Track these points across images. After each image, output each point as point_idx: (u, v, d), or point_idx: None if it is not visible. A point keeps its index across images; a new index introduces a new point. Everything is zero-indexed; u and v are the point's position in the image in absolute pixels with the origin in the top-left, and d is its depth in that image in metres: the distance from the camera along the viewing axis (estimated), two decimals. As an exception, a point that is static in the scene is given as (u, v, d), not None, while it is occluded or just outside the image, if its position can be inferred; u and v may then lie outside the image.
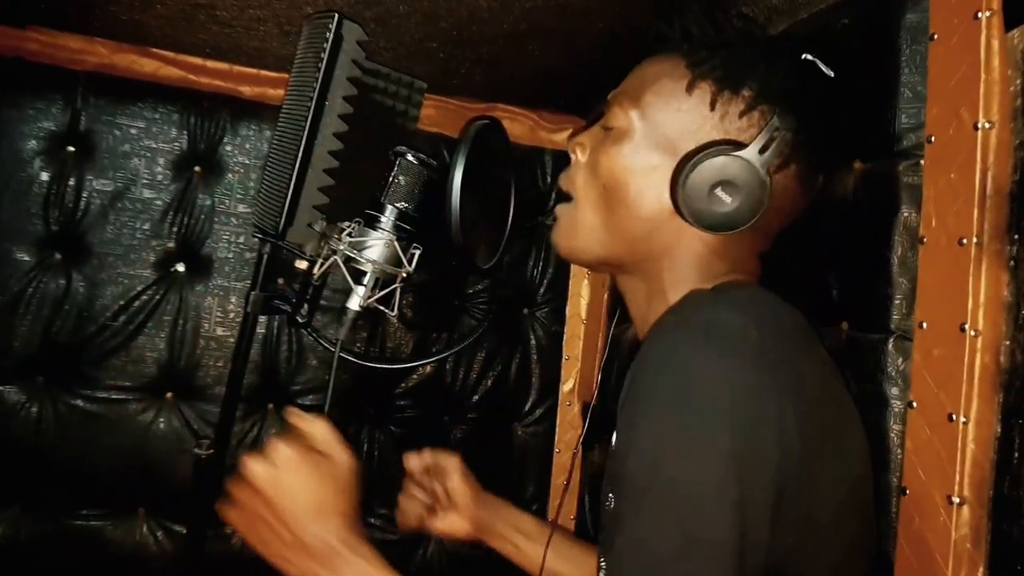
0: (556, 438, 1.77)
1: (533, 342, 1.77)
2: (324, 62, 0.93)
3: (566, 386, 1.76)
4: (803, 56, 0.83)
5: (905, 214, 0.93)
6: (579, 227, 0.88)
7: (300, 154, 0.94)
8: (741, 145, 0.78)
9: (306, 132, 0.94)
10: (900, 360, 0.93)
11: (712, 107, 0.81)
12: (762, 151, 0.77)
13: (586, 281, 1.76)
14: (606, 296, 1.70)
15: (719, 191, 0.77)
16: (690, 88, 0.82)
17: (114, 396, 1.55)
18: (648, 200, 0.83)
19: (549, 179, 1.74)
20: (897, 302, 0.93)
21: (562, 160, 1.74)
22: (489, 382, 1.74)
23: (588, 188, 0.87)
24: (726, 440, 0.64)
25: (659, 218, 0.83)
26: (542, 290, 1.77)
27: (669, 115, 0.83)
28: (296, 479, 0.82)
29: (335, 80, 0.95)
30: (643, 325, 0.89)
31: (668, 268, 0.85)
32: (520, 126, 1.68)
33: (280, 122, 1.04)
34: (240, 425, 1.59)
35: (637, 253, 0.86)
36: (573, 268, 1.77)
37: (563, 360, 1.77)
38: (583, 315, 1.76)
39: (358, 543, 0.82)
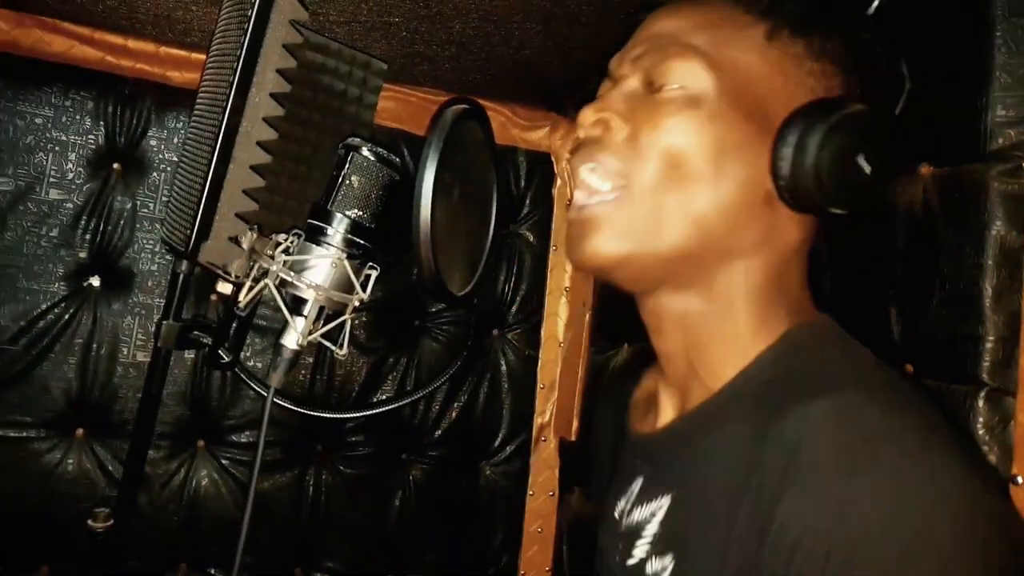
0: (530, 479, 1.51)
1: (504, 368, 1.51)
2: (251, 22, 0.65)
3: (541, 419, 1.50)
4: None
5: (1001, 232, 0.70)
6: (637, 223, 0.60)
7: (218, 145, 0.66)
8: (862, 96, 0.61)
9: (227, 114, 0.66)
10: (996, 420, 0.69)
11: (811, 66, 0.61)
12: (895, 99, 0.62)
13: (564, 299, 1.50)
14: (588, 316, 1.45)
15: (861, 160, 0.56)
16: (770, 36, 0.61)
17: (11, 434, 1.24)
18: (734, 184, 0.60)
19: (523, 182, 1.48)
20: (990, 346, 0.70)
21: (538, 161, 1.49)
22: (454, 415, 1.47)
23: (645, 170, 0.59)
24: None
25: (745, 209, 0.60)
26: (514, 309, 1.51)
27: (754, 76, 0.60)
28: None
29: (265, 47, 0.67)
30: (693, 353, 0.65)
31: (744, 272, 0.63)
32: (491, 122, 1.41)
33: (197, 105, 0.76)
34: (164, 466, 1.30)
35: (710, 254, 0.62)
36: (550, 283, 1.51)
37: (538, 389, 1.51)
38: (560, 337, 1.50)
39: None
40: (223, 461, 1.33)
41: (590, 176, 0.61)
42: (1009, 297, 0.69)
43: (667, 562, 0.60)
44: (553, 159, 1.48)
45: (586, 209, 0.61)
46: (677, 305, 0.64)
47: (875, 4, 0.63)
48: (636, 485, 0.69)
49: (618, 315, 1.32)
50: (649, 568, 0.62)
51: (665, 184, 0.59)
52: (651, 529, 0.64)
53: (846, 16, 0.64)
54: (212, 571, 1.33)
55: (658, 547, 0.62)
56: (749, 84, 0.60)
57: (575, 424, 1.43)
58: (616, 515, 0.70)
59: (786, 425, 0.52)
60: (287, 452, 1.36)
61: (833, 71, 0.62)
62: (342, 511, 1.40)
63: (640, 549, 0.64)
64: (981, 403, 0.70)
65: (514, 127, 1.45)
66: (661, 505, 0.64)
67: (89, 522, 0.84)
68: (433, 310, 1.45)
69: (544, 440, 1.49)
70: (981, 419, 0.70)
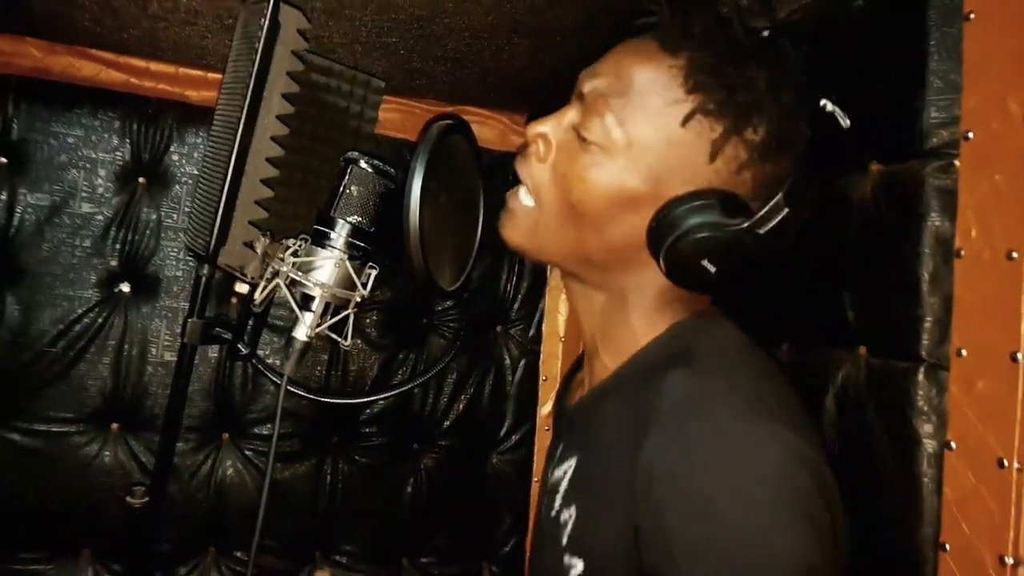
0: (534, 467, 1.58)
1: (508, 362, 1.59)
2: (259, 53, 0.74)
3: (544, 409, 1.58)
4: (823, 103, 0.67)
5: (936, 223, 0.77)
6: (539, 232, 0.74)
7: (232, 161, 0.76)
8: (734, 203, 0.65)
9: (239, 136, 0.75)
10: (933, 393, 0.76)
11: (712, 159, 0.66)
12: (760, 223, 0.64)
13: (564, 296, 1.58)
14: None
15: (706, 263, 0.64)
16: (686, 121, 0.66)
17: (54, 429, 1.34)
18: (620, 230, 0.70)
19: (523, 188, 1.56)
20: (928, 325, 0.77)
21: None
22: (461, 407, 1.55)
23: (552, 196, 0.71)
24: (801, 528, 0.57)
25: (630, 247, 0.70)
26: (516, 306, 1.59)
27: (659, 146, 0.67)
28: None
29: (272, 74, 0.76)
30: (597, 334, 0.79)
31: (636, 286, 0.74)
32: (490, 130, 1.49)
33: (214, 126, 0.86)
34: (192, 458, 1.40)
35: (595, 269, 0.75)
36: (551, 281, 1.59)
37: (540, 381, 1.58)
38: (561, 333, 1.57)
39: None
40: (246, 452, 1.43)
41: (522, 173, 0.74)
42: (943, 281, 0.76)
43: (572, 511, 0.72)
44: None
45: (510, 202, 0.75)
46: (586, 295, 0.77)
47: (826, 104, 0.66)
48: (559, 450, 0.82)
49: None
50: (561, 518, 0.73)
51: (564, 214, 0.70)
52: (563, 486, 0.76)
53: (778, 110, 0.65)
54: (238, 554, 1.42)
55: (567, 500, 0.74)
56: (652, 155, 0.67)
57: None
58: (547, 476, 0.83)
59: (652, 389, 0.65)
60: (305, 443, 1.45)
61: (737, 163, 0.66)
62: (358, 498, 1.48)
63: (557, 502, 0.76)
64: (921, 377, 0.77)
65: (512, 133, 1.53)
66: (571, 465, 0.76)
67: (127, 499, 0.93)
68: (440, 309, 1.54)
69: (547, 429, 1.57)
70: (921, 392, 0.77)
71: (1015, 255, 0.68)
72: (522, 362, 1.59)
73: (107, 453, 1.37)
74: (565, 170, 0.70)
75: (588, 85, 0.70)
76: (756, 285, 0.75)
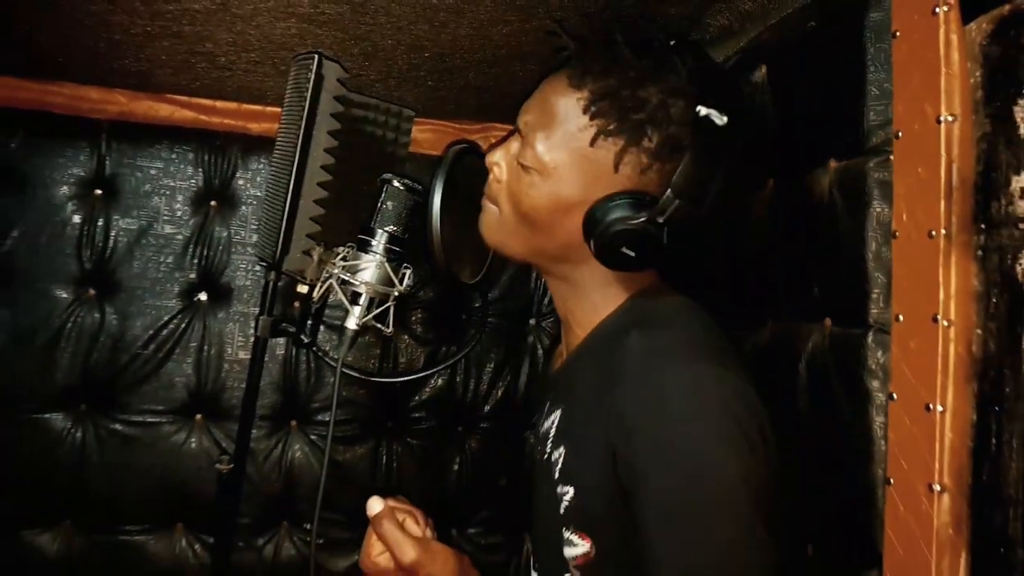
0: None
1: (540, 352, 1.75)
2: (307, 101, 0.93)
3: (574, 392, 1.74)
4: (697, 109, 0.79)
5: (877, 210, 0.91)
6: (502, 233, 0.92)
7: (291, 188, 0.95)
8: (643, 200, 0.81)
9: (295, 167, 0.94)
10: (880, 353, 0.90)
11: (615, 167, 0.82)
12: (661, 213, 0.79)
13: (589, 289, 1.73)
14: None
15: (625, 249, 0.81)
16: (594, 142, 0.82)
17: (148, 419, 1.57)
18: (563, 231, 0.86)
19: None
20: (875, 296, 0.91)
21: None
22: (499, 392, 1.73)
23: (508, 208, 0.89)
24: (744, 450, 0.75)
25: (573, 243, 0.86)
26: (546, 301, 1.75)
27: (576, 161, 0.83)
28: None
29: (319, 117, 0.95)
30: (567, 312, 0.96)
31: (586, 273, 0.91)
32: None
33: (273, 158, 1.05)
34: (265, 443, 1.60)
35: (554, 261, 0.92)
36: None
37: (570, 367, 1.74)
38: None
39: None
40: (311, 437, 1.63)
41: (486, 189, 0.92)
42: (884, 258, 0.90)
43: (561, 450, 0.89)
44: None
45: (484, 208, 0.93)
46: (550, 280, 0.96)
47: (700, 110, 0.79)
48: (547, 406, 0.99)
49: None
50: (552, 458, 0.90)
51: (518, 221, 0.88)
52: (552, 432, 0.93)
53: (664, 119, 0.80)
54: (307, 526, 1.62)
55: (556, 442, 0.91)
56: (574, 168, 0.83)
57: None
58: (538, 428, 1.01)
59: (618, 348, 0.82)
60: (363, 428, 1.64)
61: (640, 167, 0.81)
62: (410, 476, 1.67)
63: (548, 447, 0.93)
64: (870, 340, 0.90)
65: (536, 144, 1.69)
66: (557, 415, 0.94)
67: (216, 465, 1.12)
68: (477, 305, 1.71)
69: (577, 410, 1.73)
70: (870, 353, 0.90)
71: (934, 234, 0.82)
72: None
73: (193, 440, 1.59)
74: (514, 188, 0.87)
75: (522, 120, 0.87)
76: (698, 262, 0.91)
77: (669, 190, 0.79)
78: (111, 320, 1.55)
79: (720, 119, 0.78)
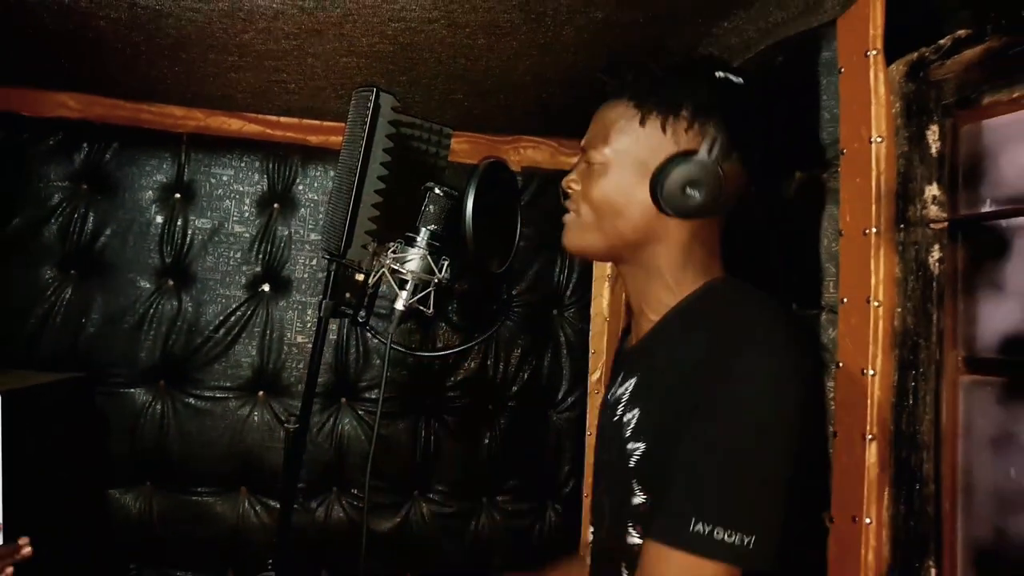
0: (587, 422, 1.98)
1: (563, 339, 1.99)
2: (367, 126, 1.19)
3: (594, 376, 1.97)
4: (716, 73, 1.01)
5: (830, 212, 1.13)
6: (583, 232, 1.08)
7: (354, 194, 1.21)
8: (693, 152, 0.97)
9: (357, 178, 1.20)
10: (831, 330, 1.12)
11: (664, 131, 1.01)
12: (709, 153, 0.97)
13: (607, 284, 1.97)
14: (624, 295, 1.92)
15: (689, 189, 0.96)
16: (642, 122, 1.02)
17: (218, 395, 1.85)
18: (635, 209, 1.02)
19: (570, 198, 1.98)
20: (827, 283, 1.13)
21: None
22: (526, 375, 1.97)
23: (585, 206, 1.07)
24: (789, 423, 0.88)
25: (647, 220, 1.02)
26: (568, 293, 1.99)
27: (633, 145, 1.02)
28: None
29: (376, 139, 1.21)
30: (641, 300, 1.09)
31: (662, 255, 1.04)
32: (542, 152, 1.91)
33: (338, 169, 1.31)
34: (318, 417, 1.87)
35: (633, 247, 1.05)
36: (595, 272, 1.99)
37: (590, 354, 1.98)
38: (606, 313, 1.97)
39: None
40: (359, 412, 1.89)
41: (567, 207, 1.11)
42: (834, 252, 1.12)
43: (636, 411, 1.00)
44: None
45: (565, 221, 1.11)
46: (628, 270, 1.11)
47: (720, 75, 1.00)
48: (620, 376, 1.14)
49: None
50: (624, 419, 1.02)
51: (596, 215, 1.05)
52: (625, 397, 1.05)
53: (694, 89, 1.00)
54: (354, 491, 1.88)
55: (630, 405, 1.03)
56: (633, 151, 1.01)
57: (618, 378, 1.89)
58: (609, 396, 1.16)
59: (695, 327, 0.97)
60: (405, 406, 1.90)
61: (685, 129, 0.99)
62: (446, 449, 1.92)
63: (620, 409, 1.05)
64: (824, 319, 1.13)
65: (560, 154, 1.94)
66: (632, 382, 1.05)
67: (285, 425, 1.38)
68: (505, 297, 1.96)
69: (597, 393, 1.97)
70: (823, 330, 1.13)
71: (867, 232, 1.04)
72: (574, 339, 1.99)
73: (256, 413, 1.86)
74: (587, 189, 1.06)
75: (585, 141, 1.09)
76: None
77: (712, 130, 0.97)
78: (187, 307, 1.84)
79: (737, 78, 0.99)
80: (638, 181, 1.01)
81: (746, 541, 0.81)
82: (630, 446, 0.99)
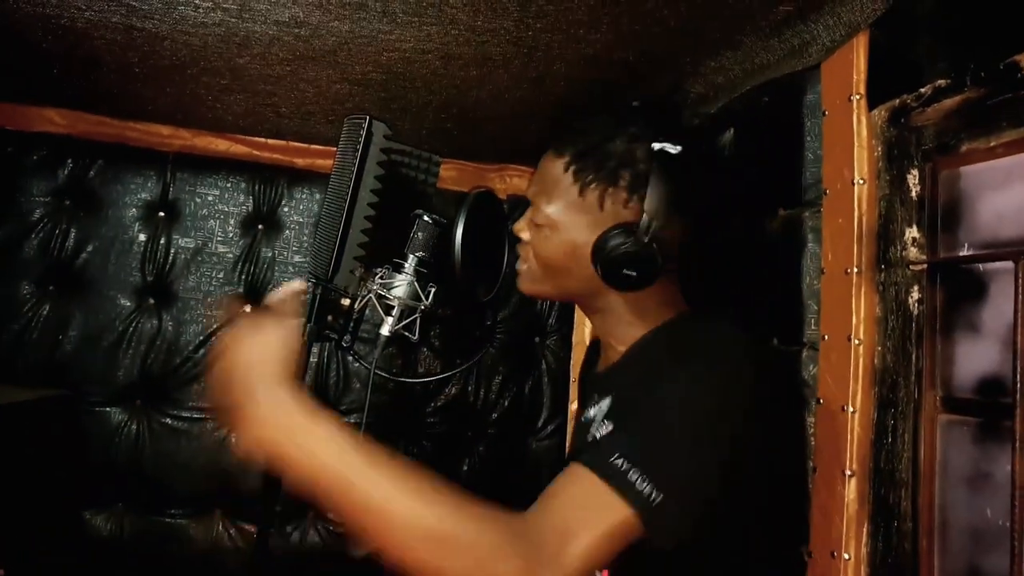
0: (567, 451, 1.96)
1: (544, 366, 2.00)
2: (359, 153, 1.20)
3: (574, 405, 1.98)
4: (653, 146, 1.01)
5: (812, 250, 1.15)
6: (535, 283, 1.11)
7: (344, 218, 1.21)
8: (631, 227, 0.99)
9: (347, 203, 1.20)
10: (812, 367, 1.14)
11: (601, 203, 1.02)
12: (647, 229, 0.98)
13: (589, 313, 1.99)
14: (605, 325, 1.93)
15: (626, 270, 0.99)
16: (582, 193, 1.03)
17: (195, 416, 1.83)
18: (580, 269, 1.04)
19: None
20: (809, 320, 1.15)
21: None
22: (506, 402, 1.97)
23: (533, 261, 1.10)
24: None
25: (592, 277, 1.03)
26: (551, 321, 2.00)
27: (574, 213, 1.04)
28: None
29: (368, 165, 1.21)
30: (607, 335, 1.12)
31: (614, 301, 1.07)
32: (526, 182, 1.93)
33: (328, 193, 1.31)
34: (298, 439, 1.84)
35: (585, 297, 1.09)
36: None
37: (571, 382, 1.98)
38: (587, 342, 1.97)
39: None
40: (338, 436, 1.87)
41: (520, 251, 1.12)
42: (815, 289, 1.14)
43: (608, 426, 1.00)
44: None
45: (518, 269, 1.13)
46: (590, 313, 1.15)
47: (657, 147, 0.99)
48: (593, 399, 1.15)
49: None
50: (599, 435, 1.01)
51: (545, 268, 1.08)
52: (599, 415, 1.06)
53: (631, 160, 1.01)
54: (331, 515, 1.85)
55: (605, 422, 1.02)
56: (574, 219, 1.03)
57: (598, 407, 1.90)
58: (583, 417, 1.18)
59: (654, 355, 1.01)
60: (384, 430, 1.88)
61: (625, 202, 1.01)
62: (424, 474, 1.90)
63: (593, 427, 1.06)
64: (804, 355, 1.15)
65: (545, 183, 1.96)
66: (605, 402, 1.09)
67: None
68: (489, 323, 1.97)
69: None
70: (803, 366, 1.15)
71: (849, 271, 1.06)
72: (555, 366, 2.00)
73: (233, 436, 1.82)
74: (535, 245, 1.09)
75: (530, 192, 1.11)
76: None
77: (644, 214, 0.99)
78: (167, 326, 1.82)
79: (674, 149, 1.00)
80: (579, 246, 1.03)
81: (653, 496, 0.79)
82: (598, 431, 1.00)
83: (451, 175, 1.85)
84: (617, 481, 0.80)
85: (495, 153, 1.76)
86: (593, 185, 1.02)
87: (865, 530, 1.02)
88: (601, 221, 1.01)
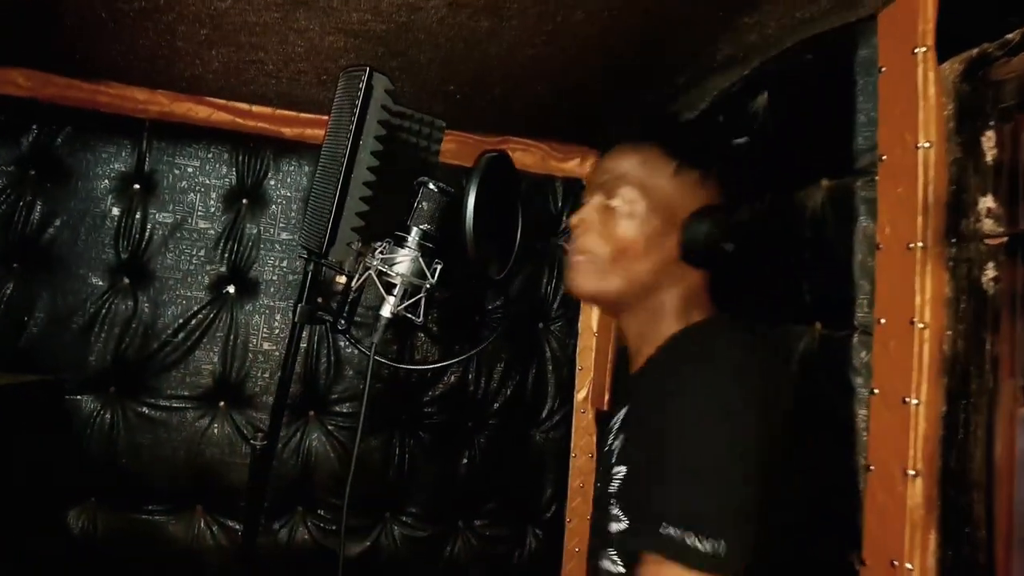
0: (572, 443, 1.85)
1: (548, 354, 1.87)
2: (358, 108, 1.06)
3: (580, 394, 1.85)
4: (735, 142, 1.07)
5: (864, 224, 1.03)
6: (599, 274, 1.05)
7: (340, 185, 1.07)
8: (721, 208, 1.02)
9: (344, 167, 1.06)
10: (864, 353, 1.02)
11: (695, 181, 1.03)
12: (732, 209, 1.03)
13: (597, 296, 1.86)
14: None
15: (722, 243, 1.00)
16: (677, 171, 1.02)
17: (175, 404, 1.68)
18: (658, 254, 1.02)
19: (560, 204, 1.86)
20: (860, 302, 1.03)
21: (572, 186, 1.86)
22: (509, 391, 1.84)
23: (604, 248, 1.03)
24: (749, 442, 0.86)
25: (667, 264, 1.03)
26: (555, 305, 1.87)
27: (665, 193, 1.02)
28: None
29: (367, 123, 1.07)
30: (642, 341, 1.08)
31: (669, 299, 1.05)
32: (532, 156, 1.80)
33: (322, 158, 1.17)
34: (285, 431, 1.71)
35: (645, 291, 1.05)
36: (585, 285, 1.87)
37: (577, 370, 1.86)
38: (594, 328, 1.85)
39: None
40: (329, 427, 1.74)
41: (575, 247, 1.06)
42: (869, 268, 1.02)
43: (621, 438, 1.02)
44: (585, 184, 1.84)
45: (572, 263, 1.06)
46: (632, 316, 1.08)
47: (742, 141, 1.04)
48: (619, 420, 1.09)
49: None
50: (613, 445, 1.04)
51: (615, 258, 1.03)
52: (617, 425, 1.06)
53: (722, 154, 1.06)
54: (321, 512, 1.73)
55: (618, 433, 1.04)
56: (663, 199, 1.02)
57: (607, 397, 1.78)
58: (609, 424, 1.11)
59: (672, 361, 0.97)
60: (378, 421, 1.75)
61: (714, 186, 1.04)
62: (421, 468, 1.78)
63: (610, 437, 1.07)
64: (855, 341, 1.02)
65: (552, 159, 1.82)
66: (623, 412, 1.06)
67: (252, 441, 1.23)
68: (490, 307, 1.83)
69: (583, 412, 1.85)
70: (855, 352, 1.02)
71: (911, 246, 0.94)
72: (560, 354, 1.87)
73: (216, 426, 1.69)
74: (610, 230, 1.03)
75: (602, 177, 1.05)
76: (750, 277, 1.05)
77: (731, 189, 1.03)
78: (143, 308, 1.67)
79: (743, 140, 1.02)
80: (665, 229, 1.02)
81: (717, 547, 0.79)
82: (614, 471, 1.00)
83: (450, 148, 1.71)
84: (681, 554, 0.80)
85: (499, 122, 1.62)
86: (692, 167, 1.02)
87: (932, 538, 0.90)
88: (694, 200, 1.02)
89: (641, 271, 1.03)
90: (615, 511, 0.97)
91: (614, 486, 0.99)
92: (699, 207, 1.01)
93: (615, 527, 0.97)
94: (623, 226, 1.03)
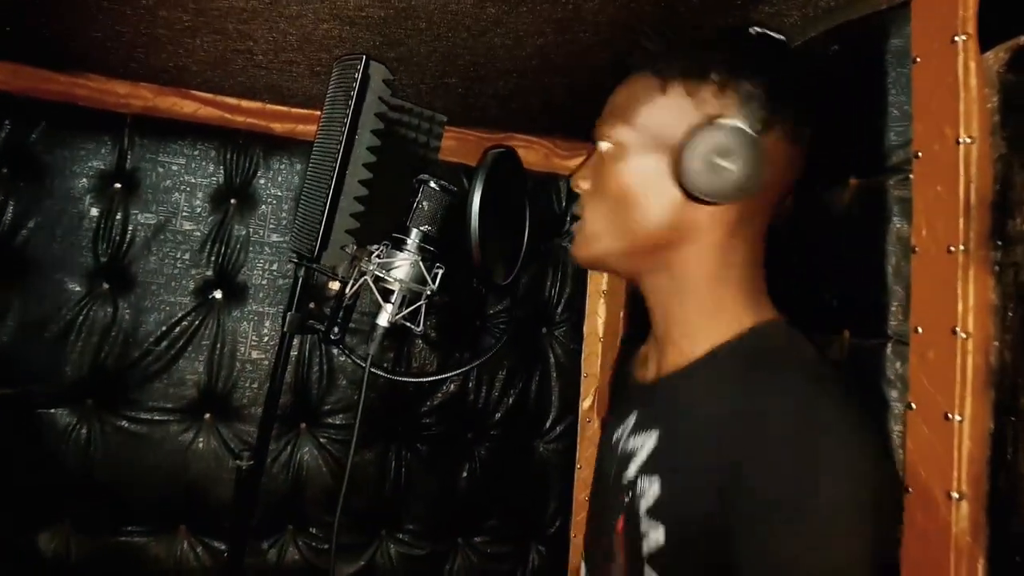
0: (577, 454, 1.80)
1: (552, 360, 1.81)
2: (353, 99, 1.00)
3: (585, 403, 1.80)
4: (751, 30, 0.87)
5: (897, 225, 0.98)
6: (597, 237, 0.92)
7: (333, 183, 1.01)
8: (722, 116, 0.82)
9: (338, 163, 1.00)
10: (898, 364, 0.96)
11: (689, 97, 0.84)
12: (742, 115, 0.82)
13: (602, 300, 1.80)
14: (621, 314, 1.74)
15: (719, 160, 0.79)
16: (663, 89, 0.86)
17: (156, 417, 1.61)
18: (658, 198, 0.86)
19: (564, 203, 1.80)
20: (894, 309, 0.97)
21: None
22: (510, 400, 1.78)
23: (600, 202, 0.91)
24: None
25: (673, 210, 0.86)
26: (560, 309, 1.82)
27: (654, 117, 0.87)
28: None
29: (364, 115, 1.01)
30: (669, 321, 0.92)
31: (692, 259, 0.88)
32: (535, 153, 1.74)
33: (314, 154, 1.11)
34: (274, 444, 1.64)
35: (656, 249, 0.89)
36: (590, 287, 1.82)
37: (582, 378, 1.81)
38: (600, 333, 1.79)
39: None
40: (321, 440, 1.67)
41: (577, 210, 0.95)
42: (903, 272, 0.96)
43: (656, 481, 0.83)
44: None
45: (574, 230, 0.95)
46: (652, 284, 0.94)
47: (756, 31, 0.87)
48: (631, 419, 0.96)
49: (645, 313, 1.61)
50: (639, 484, 0.85)
51: (612, 209, 0.90)
52: (642, 455, 0.88)
53: (725, 49, 0.86)
54: (313, 530, 1.66)
55: (648, 469, 0.85)
56: (652, 127, 0.86)
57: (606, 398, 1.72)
58: (613, 440, 0.98)
59: (755, 394, 0.77)
60: (373, 432, 1.69)
61: (714, 94, 0.84)
62: (418, 482, 1.72)
63: (632, 469, 0.88)
64: (889, 351, 0.97)
65: (555, 156, 1.77)
66: (652, 437, 0.88)
67: (237, 461, 1.17)
68: (491, 312, 1.77)
69: (589, 421, 1.79)
70: (888, 363, 0.97)
71: (952, 249, 0.88)
72: (565, 360, 1.81)
73: (201, 440, 1.62)
74: (604, 182, 0.90)
75: (598, 131, 0.93)
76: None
77: (747, 90, 0.82)
78: (124, 315, 1.60)
79: (777, 35, 0.85)
80: (660, 163, 0.86)
81: None
82: (643, 527, 0.83)
83: (450, 145, 1.65)
84: None
85: (501, 118, 1.56)
86: (678, 79, 0.85)
87: (980, 567, 0.85)
88: (686, 118, 0.84)
89: (643, 223, 0.87)
90: (646, 527, 0.82)
91: (648, 549, 0.82)
92: (691, 125, 0.83)
93: (649, 545, 0.82)
94: (611, 172, 0.89)
